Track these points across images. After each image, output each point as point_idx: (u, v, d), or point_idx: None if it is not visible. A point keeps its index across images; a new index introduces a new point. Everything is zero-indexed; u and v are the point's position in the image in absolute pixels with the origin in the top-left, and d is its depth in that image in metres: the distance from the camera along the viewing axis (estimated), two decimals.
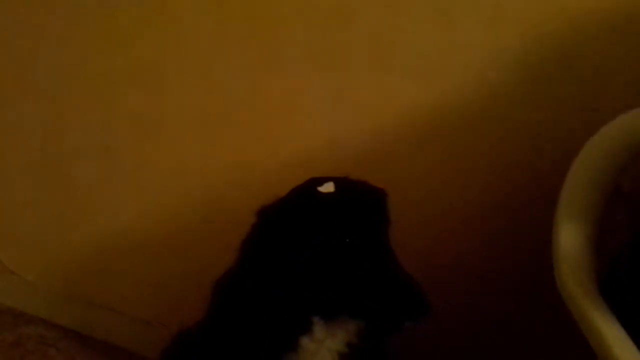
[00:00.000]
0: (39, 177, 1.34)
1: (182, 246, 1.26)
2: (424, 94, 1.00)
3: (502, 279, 1.06)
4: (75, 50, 1.20)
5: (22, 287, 1.40)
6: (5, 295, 1.40)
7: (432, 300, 0.74)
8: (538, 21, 0.92)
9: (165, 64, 1.15)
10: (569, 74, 0.94)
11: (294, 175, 0.86)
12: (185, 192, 1.23)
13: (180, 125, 1.18)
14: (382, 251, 0.79)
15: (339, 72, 1.04)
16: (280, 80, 1.08)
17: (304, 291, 0.78)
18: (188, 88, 1.15)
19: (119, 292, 1.35)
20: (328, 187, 0.80)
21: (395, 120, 1.03)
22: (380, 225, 0.81)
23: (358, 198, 0.81)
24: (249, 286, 0.82)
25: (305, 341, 0.81)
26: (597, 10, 0.89)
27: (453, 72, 0.98)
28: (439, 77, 0.99)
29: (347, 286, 0.77)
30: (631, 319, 0.68)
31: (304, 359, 0.82)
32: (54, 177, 1.33)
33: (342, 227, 0.77)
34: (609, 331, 0.65)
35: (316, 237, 0.77)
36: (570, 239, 0.73)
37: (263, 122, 1.12)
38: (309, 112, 1.08)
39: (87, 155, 1.27)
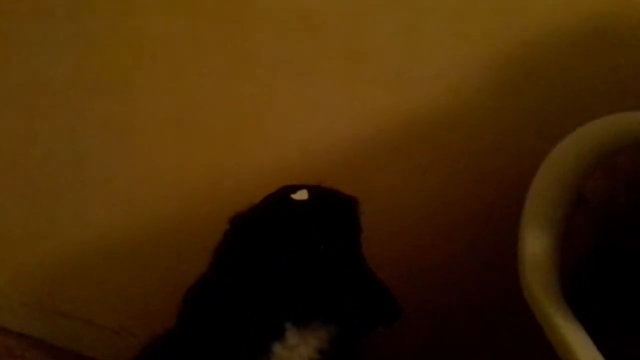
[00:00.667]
0: (6, 185, 1.32)
1: (152, 254, 1.25)
2: (395, 103, 1.01)
3: (480, 283, 1.07)
4: (43, 56, 1.19)
5: None
6: None
7: (405, 305, 0.75)
8: (505, 34, 0.94)
9: (135, 69, 1.14)
10: (535, 84, 0.96)
11: (267, 183, 0.86)
12: (156, 200, 1.22)
13: (151, 131, 1.18)
14: (353, 257, 0.80)
15: (311, 80, 1.04)
16: (252, 87, 1.08)
17: (277, 297, 0.79)
18: (159, 94, 1.15)
19: (88, 301, 1.33)
20: (302, 195, 0.81)
21: (368, 128, 1.04)
22: (352, 233, 0.82)
23: (331, 206, 0.82)
24: (221, 293, 0.82)
25: (277, 347, 0.81)
26: (563, 25, 0.92)
27: (423, 82, 0.99)
28: (410, 87, 1.00)
29: (320, 292, 0.78)
30: (594, 324, 0.69)
31: None
32: (22, 185, 1.31)
33: (314, 234, 0.78)
34: (573, 336, 0.66)
35: (289, 244, 0.78)
36: (534, 244, 0.74)
37: (235, 129, 1.12)
38: (281, 119, 1.09)
39: (56, 163, 1.26)
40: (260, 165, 1.10)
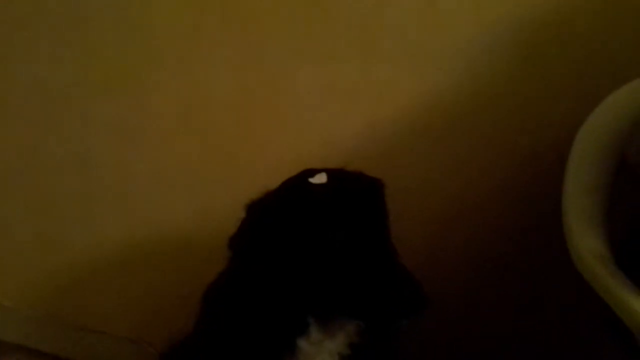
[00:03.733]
0: (14, 195, 1.28)
1: (166, 259, 1.22)
2: (415, 81, 0.98)
3: (506, 269, 1.04)
4: (46, 62, 1.16)
5: (0, 315, 1.33)
6: None
7: (431, 295, 0.70)
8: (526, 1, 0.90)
9: (141, 68, 1.11)
10: (561, 53, 0.93)
11: (286, 174, 0.82)
12: (169, 203, 1.18)
13: (161, 131, 1.14)
14: (378, 244, 0.75)
15: (326, 64, 1.01)
16: (265, 77, 1.05)
17: (297, 289, 0.75)
18: (167, 92, 1.11)
19: (102, 311, 1.30)
20: (320, 178, 0.77)
21: (389, 110, 1.00)
22: (375, 217, 0.77)
23: (351, 188, 0.77)
24: (240, 289, 0.78)
25: (302, 343, 0.78)
26: None
27: (442, 57, 0.96)
28: (429, 63, 0.97)
29: (340, 282, 0.73)
30: None
31: None
32: (30, 197, 1.28)
33: (333, 219, 0.74)
34: (635, 300, 0.61)
35: (306, 231, 0.74)
36: (581, 213, 0.70)
37: (249, 121, 1.08)
38: (297, 107, 1.05)
39: (64, 170, 1.22)
40: (278, 157, 1.06)
